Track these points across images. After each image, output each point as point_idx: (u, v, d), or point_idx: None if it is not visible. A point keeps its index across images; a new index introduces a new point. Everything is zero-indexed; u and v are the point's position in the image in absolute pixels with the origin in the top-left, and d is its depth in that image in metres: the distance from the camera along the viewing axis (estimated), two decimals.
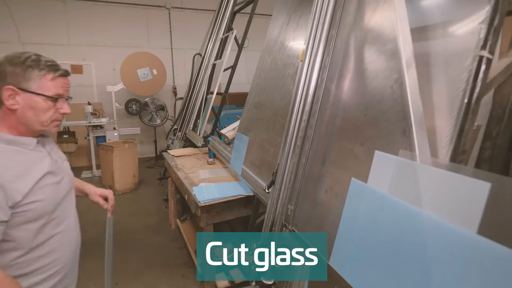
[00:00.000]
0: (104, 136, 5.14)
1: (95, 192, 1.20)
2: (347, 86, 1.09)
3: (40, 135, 0.93)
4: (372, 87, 0.96)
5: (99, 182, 4.79)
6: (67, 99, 0.92)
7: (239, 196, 1.85)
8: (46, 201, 0.86)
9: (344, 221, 0.97)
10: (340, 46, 1.15)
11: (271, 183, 1.28)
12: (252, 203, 1.85)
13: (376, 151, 0.89)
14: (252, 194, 1.78)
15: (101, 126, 5.14)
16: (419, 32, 0.89)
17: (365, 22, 1.05)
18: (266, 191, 1.27)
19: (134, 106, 5.52)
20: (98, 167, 4.97)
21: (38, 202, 0.84)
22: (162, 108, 5.81)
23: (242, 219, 2.02)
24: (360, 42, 1.06)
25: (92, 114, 5.01)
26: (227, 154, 2.43)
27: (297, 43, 1.55)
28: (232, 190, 1.92)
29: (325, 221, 1.06)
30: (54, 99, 0.88)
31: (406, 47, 0.87)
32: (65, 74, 0.93)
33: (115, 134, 5.18)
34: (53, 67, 0.89)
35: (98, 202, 1.19)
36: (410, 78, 0.84)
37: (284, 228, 1.24)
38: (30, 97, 0.84)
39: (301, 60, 1.28)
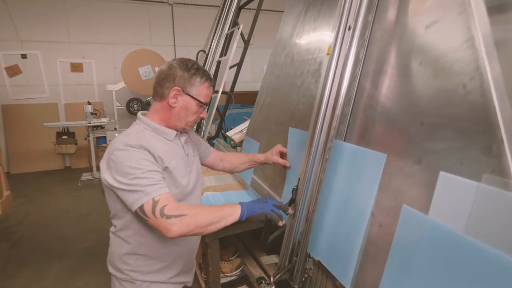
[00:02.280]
0: (105, 137, 5.00)
1: (271, 153, 1.32)
2: (389, 84, 0.86)
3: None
4: (432, 86, 0.72)
5: (99, 185, 4.61)
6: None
7: None
8: (174, 189, 0.96)
9: (393, 261, 0.74)
10: (380, 35, 0.92)
11: (291, 201, 1.05)
12: None
13: (442, 173, 0.66)
14: None
15: (101, 127, 4.99)
16: (499, 12, 0.66)
17: (417, 1, 0.81)
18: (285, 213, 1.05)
19: (135, 105, 5.38)
20: (98, 168, 4.78)
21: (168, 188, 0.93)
22: None
23: (251, 230, 1.81)
24: (409, 28, 0.83)
25: (92, 114, 4.86)
26: None
27: (319, 35, 1.32)
28: (241, 200, 1.69)
29: (366, 258, 0.83)
30: (203, 104, 1.02)
31: (483, 30, 0.64)
32: (214, 84, 1.09)
33: (116, 134, 4.97)
34: (209, 77, 1.03)
35: (278, 162, 1.30)
36: (494, 72, 0.61)
37: (308, 259, 1.02)
38: (188, 99, 0.99)
39: (328, 54, 1.05)
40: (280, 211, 1.02)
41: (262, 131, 1.73)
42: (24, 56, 5.29)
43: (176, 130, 1.03)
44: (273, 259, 1.63)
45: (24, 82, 5.35)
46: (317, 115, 1.02)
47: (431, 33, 0.76)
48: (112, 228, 1.03)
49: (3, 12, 5.08)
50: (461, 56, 0.67)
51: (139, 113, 1.04)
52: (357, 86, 0.96)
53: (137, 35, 5.84)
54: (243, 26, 3.20)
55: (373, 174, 0.85)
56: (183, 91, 0.97)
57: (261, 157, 1.34)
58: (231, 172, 1.61)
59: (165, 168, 0.95)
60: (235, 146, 2.55)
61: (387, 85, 0.87)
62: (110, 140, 4.82)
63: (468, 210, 0.60)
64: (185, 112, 1.00)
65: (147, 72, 5.17)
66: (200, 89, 0.99)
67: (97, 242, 2.97)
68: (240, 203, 0.97)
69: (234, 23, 3.34)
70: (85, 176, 4.95)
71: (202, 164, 1.49)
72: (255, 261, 1.77)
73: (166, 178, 0.94)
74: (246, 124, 2.35)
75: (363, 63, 0.95)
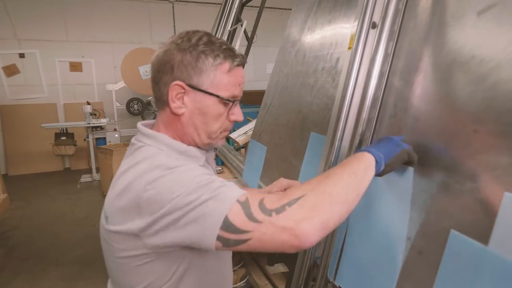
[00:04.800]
0: (104, 138, 4.90)
1: (273, 186, 0.96)
2: (427, 84, 0.73)
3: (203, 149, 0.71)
4: (488, 85, 0.59)
5: (98, 187, 4.50)
6: (240, 101, 0.70)
7: None
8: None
9: None
10: (413, 24, 0.78)
11: None
12: None
13: (507, 194, 0.53)
14: None
15: (101, 127, 4.90)
16: None
17: None
18: None
19: (136, 105, 5.26)
20: (98, 170, 4.68)
21: None
22: None
23: None
24: (453, 15, 0.69)
25: (91, 114, 4.76)
26: (238, 163, 2.10)
27: (335, 28, 1.18)
28: None
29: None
30: (230, 101, 0.65)
31: None
32: (243, 62, 0.69)
33: (116, 135, 4.94)
34: (229, 52, 0.65)
35: None
36: None
37: (328, 283, 0.89)
38: (201, 98, 0.63)
39: (349, 48, 0.91)
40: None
41: (270, 134, 1.60)
42: (22, 55, 5.18)
43: (199, 148, 0.69)
44: (280, 268, 1.51)
45: (22, 82, 5.24)
46: (336, 120, 0.88)
47: (485, 21, 0.62)
48: None
49: (1, 10, 4.96)
50: None
51: (143, 128, 0.67)
52: (385, 86, 0.83)
53: (137, 34, 5.72)
54: (246, 24, 3.08)
55: (403, 191, 0.72)
56: (188, 85, 0.63)
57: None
58: None
59: None
60: (239, 148, 2.43)
61: (423, 85, 0.74)
62: (110, 142, 4.71)
63: None
64: (202, 118, 0.65)
65: (147, 72, 5.06)
66: (216, 76, 0.63)
67: (95, 249, 2.85)
68: (363, 149, 0.63)
69: (237, 20, 3.22)
70: (84, 178, 4.84)
71: None
72: (261, 271, 1.66)
73: None
74: (250, 126, 2.22)
75: (392, 58, 0.82)
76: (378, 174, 0.62)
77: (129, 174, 0.59)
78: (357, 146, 0.84)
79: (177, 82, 0.63)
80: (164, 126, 0.67)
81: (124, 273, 0.62)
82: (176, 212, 0.52)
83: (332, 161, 0.89)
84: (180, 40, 0.64)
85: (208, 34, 0.66)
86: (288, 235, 0.48)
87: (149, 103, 5.27)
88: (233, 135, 2.39)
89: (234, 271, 1.78)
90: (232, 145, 2.60)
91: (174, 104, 0.64)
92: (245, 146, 2.39)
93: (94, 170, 4.85)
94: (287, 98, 1.48)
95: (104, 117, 5.19)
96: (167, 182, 0.55)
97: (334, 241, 0.89)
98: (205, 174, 0.58)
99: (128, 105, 5.23)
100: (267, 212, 0.50)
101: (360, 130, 0.82)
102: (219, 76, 0.64)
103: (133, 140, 0.68)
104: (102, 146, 4.23)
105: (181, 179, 0.55)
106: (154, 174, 0.56)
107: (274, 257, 1.57)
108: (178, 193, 0.53)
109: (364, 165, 0.59)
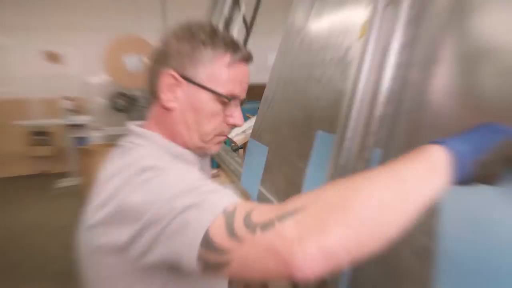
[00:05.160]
0: (86, 138, 4.90)
1: None
2: (448, 76, 0.73)
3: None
4: None
5: (79, 192, 4.51)
6: (241, 103, 0.71)
7: None
8: None
9: None
10: (435, 9, 0.78)
11: None
12: None
13: None
14: None
15: (82, 126, 4.92)
16: None
17: None
18: None
19: (121, 101, 5.22)
20: (79, 173, 4.69)
21: None
22: None
23: None
24: None
25: (71, 111, 4.76)
26: (236, 166, 2.10)
27: (346, 13, 1.18)
28: None
29: None
30: (228, 99, 0.65)
31: None
32: (248, 58, 0.69)
33: (99, 135, 4.91)
34: (232, 44, 0.66)
35: None
36: None
37: None
38: (195, 92, 0.64)
39: (361, 37, 0.91)
40: None
41: (271, 133, 1.61)
42: None
43: (191, 151, 0.69)
44: None
45: None
46: (345, 117, 0.88)
47: None
48: None
49: None
50: None
51: (134, 127, 0.68)
52: (402, 78, 0.82)
53: (121, 20, 5.72)
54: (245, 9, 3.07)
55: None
56: (182, 76, 0.63)
57: None
58: None
59: None
60: (237, 149, 2.43)
61: (446, 77, 0.74)
62: (92, 142, 4.72)
63: None
64: (194, 116, 0.65)
65: (133, 62, 5.06)
66: (214, 68, 0.63)
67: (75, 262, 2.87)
68: (438, 142, 0.46)
69: (235, 3, 3.22)
70: (63, 182, 4.85)
71: None
72: None
73: None
74: (250, 123, 2.23)
75: (410, 47, 0.82)
76: (462, 181, 0.43)
77: (116, 180, 0.57)
78: (370, 147, 0.84)
79: (170, 71, 0.63)
80: (156, 123, 0.68)
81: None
82: (162, 220, 0.49)
83: (341, 165, 0.89)
84: (180, 30, 0.66)
85: (212, 26, 0.67)
86: (274, 261, 0.39)
87: (136, 98, 5.27)
88: (230, 134, 2.39)
89: None
90: (229, 145, 2.60)
91: (165, 97, 0.64)
92: (243, 146, 2.39)
93: (73, 174, 4.86)
94: (291, 92, 1.48)
95: (85, 114, 5.18)
96: (154, 186, 0.53)
97: None
98: (197, 177, 0.56)
99: (113, 100, 5.20)
100: (251, 227, 0.42)
101: (373, 128, 0.82)
102: (218, 70, 0.64)
103: (121, 141, 0.67)
104: (83, 147, 4.24)
105: (170, 182, 0.53)
106: (142, 177, 0.54)
107: None
108: (165, 197, 0.50)
109: (424, 166, 0.42)
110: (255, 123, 1.86)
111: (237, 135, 2.28)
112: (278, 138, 1.53)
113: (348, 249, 0.36)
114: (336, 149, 0.92)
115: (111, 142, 4.42)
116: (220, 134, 0.69)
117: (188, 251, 0.45)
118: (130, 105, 5.26)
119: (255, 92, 2.09)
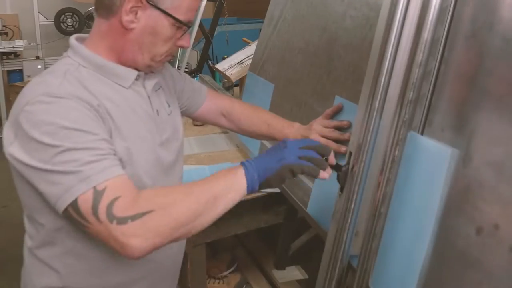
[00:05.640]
0: (21, 70, 4.97)
1: (310, 129, 1.16)
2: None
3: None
4: None
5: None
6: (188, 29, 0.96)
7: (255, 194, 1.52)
8: (136, 171, 0.89)
9: None
10: None
11: (342, 186, 0.94)
12: (277, 204, 1.60)
13: None
14: (278, 191, 1.48)
15: (15, 54, 4.93)
16: None
17: None
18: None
19: (69, 20, 5.33)
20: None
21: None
22: None
23: (260, 231, 1.81)
24: None
25: (1, 34, 4.73)
26: None
27: None
28: None
29: None
30: (184, 25, 0.91)
31: None
32: None
33: (39, 66, 4.97)
34: None
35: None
36: None
37: None
38: (157, 16, 0.87)
39: None
40: (314, 154, 0.83)
41: (279, 65, 1.62)
42: None
43: (136, 69, 0.93)
44: (294, 272, 1.61)
45: None
46: (383, 49, 0.84)
47: None
48: (27, 242, 0.92)
49: None
50: None
51: (72, 38, 0.92)
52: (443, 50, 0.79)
53: None
54: None
55: None
56: (147, 1, 0.86)
57: (293, 131, 1.18)
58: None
59: (117, 137, 0.86)
60: (231, 86, 2.43)
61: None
62: (29, 77, 4.65)
63: None
64: (151, 38, 0.90)
65: None
66: None
67: (9, 240, 2.83)
68: (242, 163, 0.84)
69: None
70: None
71: (191, 117, 1.44)
72: (264, 277, 1.76)
73: (120, 155, 0.85)
74: (248, 52, 2.19)
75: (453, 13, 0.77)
76: (253, 191, 0.84)
77: (31, 83, 0.84)
78: (416, 85, 0.83)
79: None
80: (100, 37, 0.90)
81: (19, 190, 0.87)
82: (40, 151, 0.74)
83: (377, 108, 0.88)
84: None
85: None
86: (116, 244, 0.72)
87: (90, 15, 5.23)
88: (221, 66, 2.36)
89: (223, 277, 1.89)
90: (220, 82, 2.59)
91: (127, 17, 0.85)
92: (240, 83, 2.38)
93: (4, 120, 4.85)
94: (304, 7, 1.48)
95: (21, 38, 5.13)
96: (40, 112, 0.76)
97: (380, 237, 0.89)
98: (83, 116, 0.78)
99: (58, 19, 5.22)
100: (111, 217, 0.71)
101: (419, 58, 0.78)
102: None
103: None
104: (17, 83, 4.26)
105: (55, 113, 0.76)
106: (34, 96, 0.78)
107: (285, 257, 1.64)
108: (46, 130, 0.74)
109: (231, 183, 0.81)
110: (256, 51, 1.85)
111: (231, 68, 2.22)
112: (288, 71, 1.55)
113: (168, 241, 0.76)
114: (370, 88, 0.90)
115: None
116: (168, 55, 0.96)
117: (57, 202, 0.74)
118: (81, 25, 5.31)
119: (255, 8, 2.02)
